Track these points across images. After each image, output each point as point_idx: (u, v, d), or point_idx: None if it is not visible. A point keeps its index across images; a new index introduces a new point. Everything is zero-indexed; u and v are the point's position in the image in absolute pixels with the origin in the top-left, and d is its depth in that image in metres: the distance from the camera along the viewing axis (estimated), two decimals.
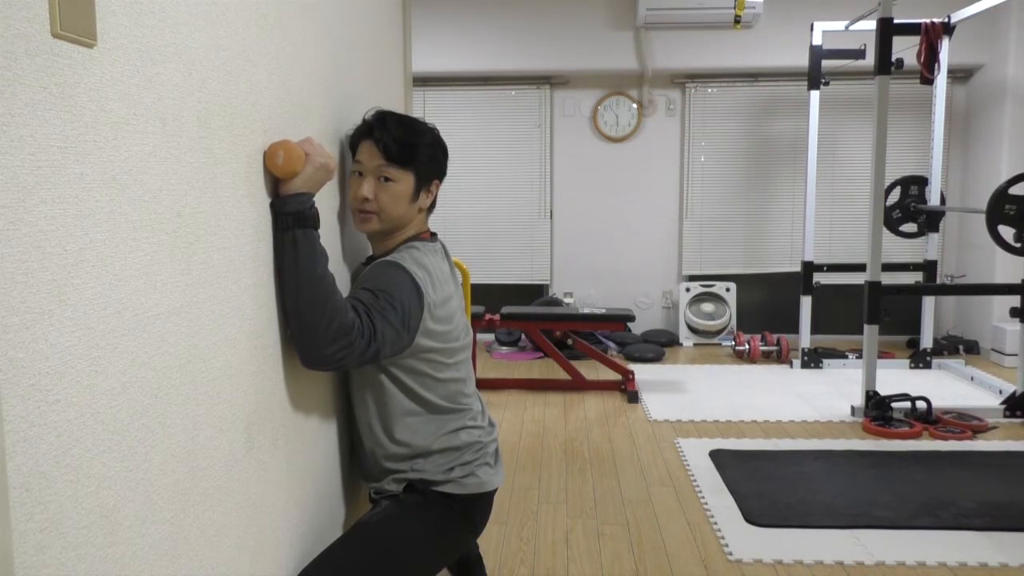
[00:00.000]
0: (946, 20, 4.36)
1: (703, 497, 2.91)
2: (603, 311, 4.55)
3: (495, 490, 1.75)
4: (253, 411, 1.25)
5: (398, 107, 2.39)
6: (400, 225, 1.70)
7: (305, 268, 1.36)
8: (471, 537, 1.78)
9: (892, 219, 4.89)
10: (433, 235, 1.80)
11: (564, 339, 5.03)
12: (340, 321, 1.42)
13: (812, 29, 4.79)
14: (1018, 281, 3.90)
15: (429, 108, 5.64)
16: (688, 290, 5.74)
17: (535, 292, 5.96)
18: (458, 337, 1.70)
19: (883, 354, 5.09)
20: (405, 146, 1.65)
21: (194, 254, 1.05)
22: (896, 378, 4.61)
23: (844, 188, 5.68)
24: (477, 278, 5.80)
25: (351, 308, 1.47)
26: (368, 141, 1.66)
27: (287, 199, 1.34)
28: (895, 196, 4.91)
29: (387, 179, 1.65)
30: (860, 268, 4.69)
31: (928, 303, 4.96)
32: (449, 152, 1.79)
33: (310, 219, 1.37)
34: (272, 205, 1.34)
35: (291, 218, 1.34)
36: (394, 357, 1.59)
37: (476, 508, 1.71)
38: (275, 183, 1.35)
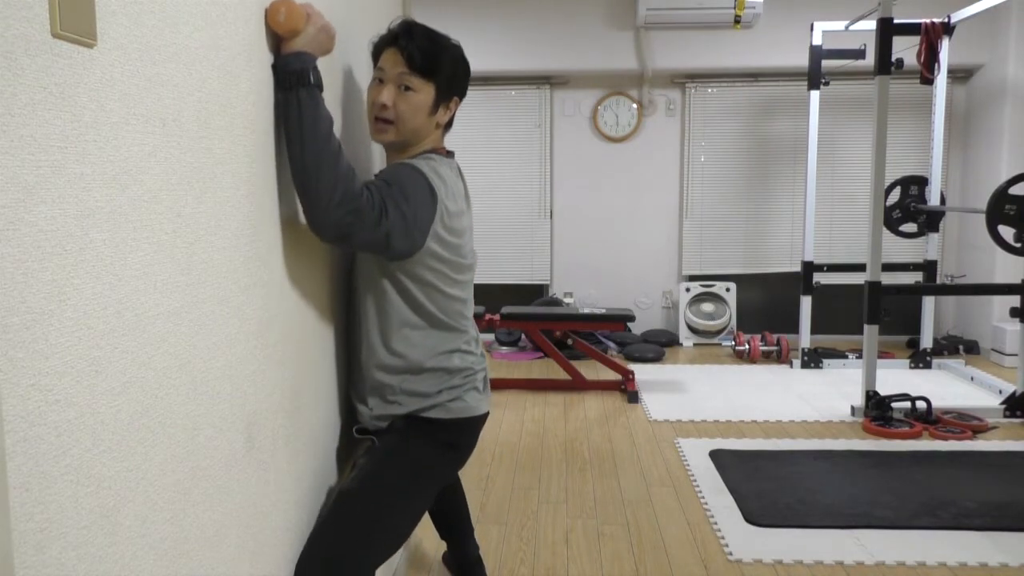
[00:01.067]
0: (946, 20, 4.37)
1: (703, 497, 2.91)
2: (603, 311, 4.55)
3: (481, 417, 1.74)
4: (253, 411, 1.25)
5: None
6: (416, 139, 1.69)
7: (309, 128, 1.34)
8: (455, 467, 1.77)
9: (892, 219, 4.89)
10: (450, 152, 1.78)
11: (564, 339, 5.03)
12: (347, 187, 1.40)
13: (812, 29, 4.79)
14: (1018, 281, 3.90)
15: None
16: (688, 290, 5.74)
17: (535, 292, 5.96)
18: (466, 256, 1.71)
19: (883, 354, 5.09)
20: (429, 56, 1.65)
21: (194, 254, 1.05)
22: (896, 378, 4.61)
23: (844, 188, 5.68)
24: (477, 278, 5.80)
25: (363, 185, 1.47)
26: (392, 48, 1.66)
27: (289, 58, 1.32)
28: (895, 196, 4.91)
29: (407, 88, 1.64)
30: (860, 268, 4.69)
31: (928, 303, 4.96)
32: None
33: (313, 79, 1.35)
34: (274, 66, 1.32)
35: (294, 77, 1.32)
36: (403, 261, 1.58)
37: (461, 435, 1.70)
38: (277, 43, 1.34)
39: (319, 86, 1.38)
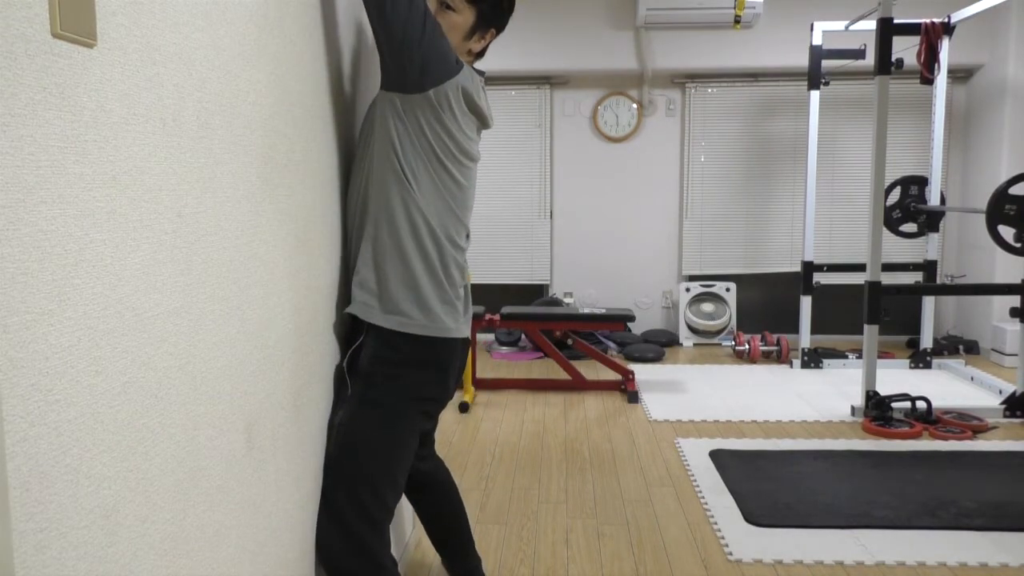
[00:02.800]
0: (946, 20, 4.37)
1: (703, 497, 2.91)
2: (603, 311, 4.55)
3: (458, 341, 1.75)
4: (253, 411, 1.25)
5: None
6: None
7: None
8: (430, 389, 1.75)
9: (892, 219, 4.89)
10: (481, 72, 1.80)
11: (564, 339, 5.03)
12: None
13: (812, 29, 4.79)
14: (1018, 281, 3.90)
15: None
16: (688, 290, 5.74)
17: (535, 292, 5.96)
18: (473, 159, 1.73)
19: (883, 354, 5.09)
20: None
21: (194, 254, 1.05)
22: (896, 378, 4.61)
23: (844, 188, 5.68)
24: (477, 278, 5.81)
25: None
26: None
27: None
28: (895, 196, 4.91)
29: (448, 7, 1.68)
30: (860, 268, 4.70)
31: (928, 303, 4.96)
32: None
33: None
34: None
35: None
36: (410, 93, 1.59)
37: (433, 352, 1.70)
38: None
39: None
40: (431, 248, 1.66)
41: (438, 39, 1.59)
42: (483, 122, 1.78)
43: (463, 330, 1.75)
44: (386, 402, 1.67)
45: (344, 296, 1.78)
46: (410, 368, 1.68)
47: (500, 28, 1.77)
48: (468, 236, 1.80)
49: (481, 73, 1.78)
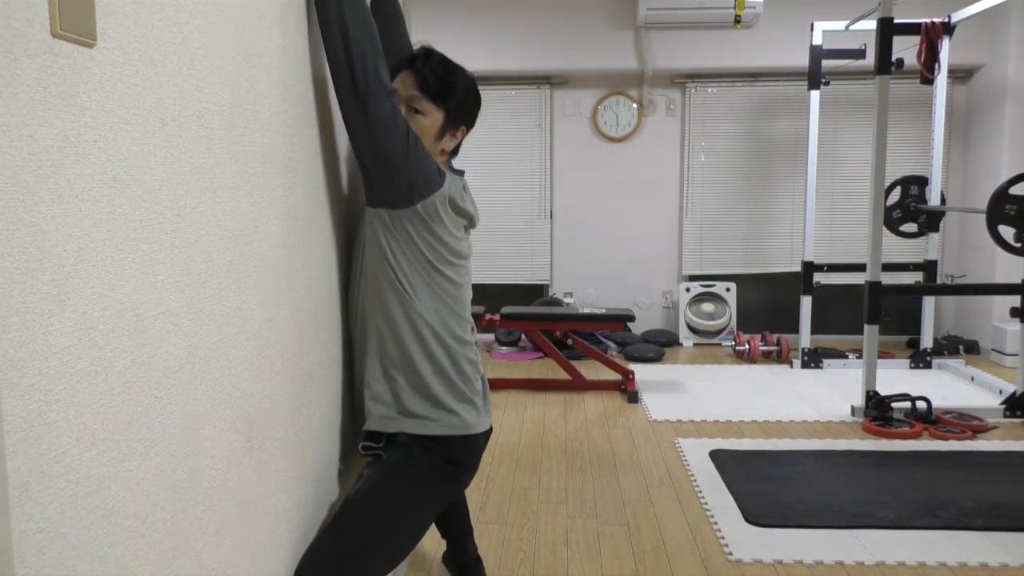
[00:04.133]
0: (946, 20, 4.36)
1: (703, 497, 2.91)
2: (603, 311, 4.55)
3: (482, 435, 1.74)
4: (253, 411, 1.25)
5: None
6: None
7: None
8: (457, 486, 1.78)
9: (892, 219, 4.89)
10: (459, 171, 1.81)
11: (564, 339, 5.03)
12: (376, 44, 1.52)
13: (812, 29, 4.79)
14: (1018, 281, 3.90)
15: None
16: (688, 290, 5.74)
17: (535, 292, 5.96)
18: (464, 250, 1.74)
19: (883, 354, 5.09)
20: (442, 82, 1.69)
21: (194, 254, 1.05)
22: (896, 378, 4.61)
23: (844, 188, 5.68)
24: (477, 278, 5.81)
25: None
26: (408, 71, 1.69)
27: None
28: (895, 196, 4.91)
29: (417, 111, 1.68)
30: (860, 268, 4.69)
31: (928, 303, 4.96)
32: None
33: None
34: None
35: None
36: (398, 208, 1.60)
37: (462, 453, 1.70)
38: None
39: None
40: (439, 352, 1.67)
41: (422, 155, 1.61)
42: (470, 221, 1.79)
43: (484, 423, 1.76)
44: (418, 476, 1.66)
45: (344, 296, 1.78)
46: (434, 466, 1.68)
47: (471, 124, 1.78)
48: (473, 329, 1.81)
49: (460, 172, 1.80)
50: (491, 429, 1.79)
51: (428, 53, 1.71)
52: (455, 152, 1.81)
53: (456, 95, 1.71)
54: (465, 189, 1.79)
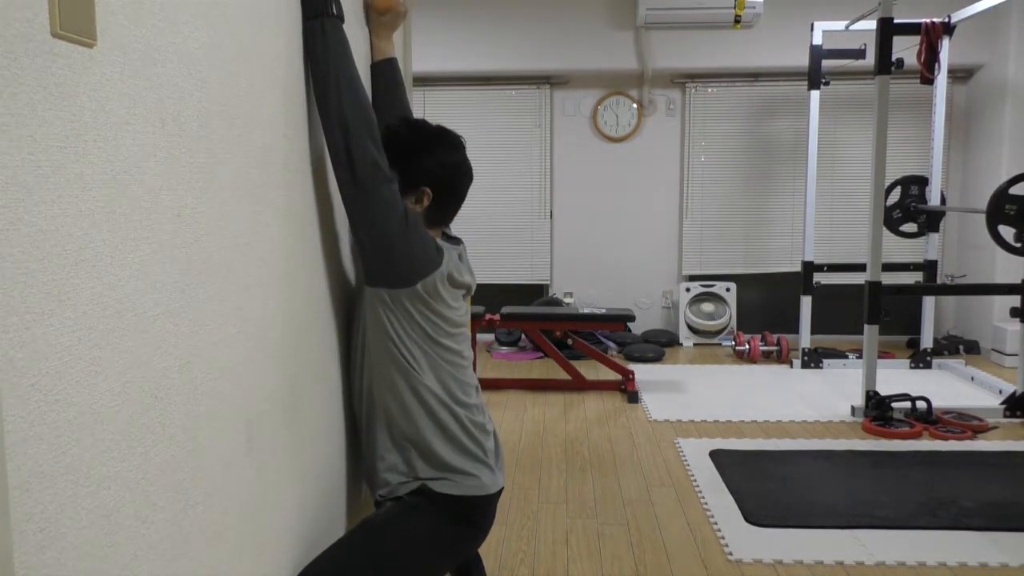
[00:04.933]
0: (946, 20, 4.36)
1: (703, 497, 2.91)
2: (603, 311, 4.55)
3: (496, 494, 1.75)
4: (253, 411, 1.25)
5: None
6: None
7: (335, 53, 1.49)
8: (474, 541, 1.78)
9: (892, 219, 4.89)
10: (455, 239, 1.81)
11: (564, 339, 5.03)
12: (372, 125, 1.54)
13: (812, 29, 4.79)
14: (1018, 281, 3.90)
15: (429, 108, 5.64)
16: (688, 290, 5.74)
17: (535, 292, 5.96)
18: (460, 317, 1.73)
19: (883, 354, 5.09)
20: (399, 139, 1.68)
21: (194, 254, 1.05)
22: (896, 378, 4.61)
23: (844, 188, 5.68)
24: (477, 278, 5.80)
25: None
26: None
27: None
28: (895, 196, 4.91)
29: None
30: (860, 268, 4.69)
31: (928, 303, 4.96)
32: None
33: (335, 10, 1.49)
34: None
35: (318, 5, 1.46)
36: (398, 288, 1.60)
37: (475, 512, 1.71)
38: None
39: (341, 17, 1.50)
40: (447, 418, 1.67)
41: (421, 235, 1.61)
42: (468, 291, 1.79)
43: (499, 481, 1.76)
44: (419, 537, 1.64)
45: (344, 298, 1.78)
46: (448, 523, 1.68)
47: (436, 187, 1.70)
48: (478, 391, 1.81)
49: (457, 241, 1.80)
50: (502, 488, 1.79)
51: (408, 120, 1.73)
52: (439, 218, 1.76)
53: (404, 153, 1.67)
54: (463, 259, 1.79)
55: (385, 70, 1.96)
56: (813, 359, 4.95)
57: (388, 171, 1.57)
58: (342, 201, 1.59)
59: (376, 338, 1.65)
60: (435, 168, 1.71)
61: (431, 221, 1.74)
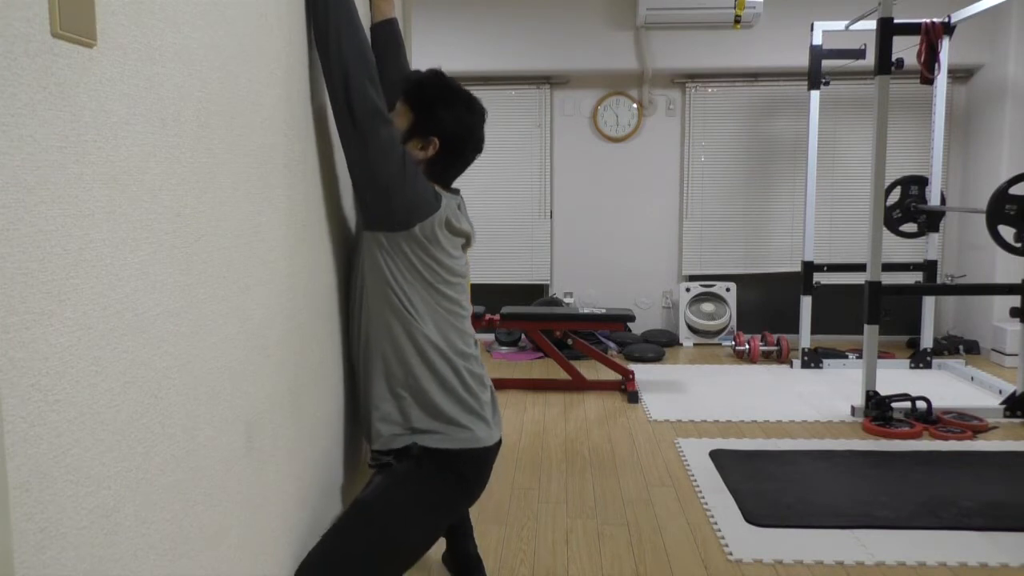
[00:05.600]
0: (946, 20, 4.36)
1: (703, 497, 2.91)
2: (603, 311, 4.55)
3: (492, 448, 1.74)
4: (253, 411, 1.25)
5: None
6: None
7: (335, 7, 1.51)
8: (467, 498, 1.77)
9: (892, 219, 4.89)
10: (453, 189, 1.81)
11: (564, 339, 5.03)
12: (374, 75, 1.55)
13: (812, 29, 4.79)
14: (1018, 281, 3.90)
15: None
16: (688, 290, 5.74)
17: (535, 292, 5.96)
18: (459, 266, 1.74)
19: (883, 354, 5.09)
20: (418, 85, 1.71)
21: (194, 254, 1.05)
22: (896, 378, 4.61)
23: (844, 188, 5.68)
24: (477, 278, 5.81)
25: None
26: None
27: None
28: (895, 196, 4.91)
29: (395, 111, 1.72)
30: (860, 268, 4.69)
31: (928, 303, 4.96)
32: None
33: None
34: None
35: None
36: (395, 232, 1.61)
37: (468, 467, 1.70)
38: None
39: None
40: (445, 369, 1.67)
41: (418, 179, 1.62)
42: (467, 240, 1.79)
43: (494, 436, 1.76)
44: (416, 499, 1.65)
45: (344, 299, 1.78)
46: (444, 479, 1.68)
47: (445, 137, 1.71)
48: (476, 342, 1.81)
49: (456, 192, 1.80)
50: (500, 441, 1.78)
51: (435, 72, 1.74)
52: (439, 170, 1.75)
53: (425, 97, 1.69)
54: (461, 208, 1.80)
55: (385, 30, 1.97)
56: (813, 359, 4.95)
57: (387, 114, 1.58)
58: (342, 146, 1.59)
59: (374, 284, 1.65)
60: (451, 122, 1.72)
61: (430, 175, 1.75)
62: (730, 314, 5.75)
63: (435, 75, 1.75)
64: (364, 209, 1.64)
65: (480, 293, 5.81)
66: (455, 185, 1.85)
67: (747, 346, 5.19)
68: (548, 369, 4.98)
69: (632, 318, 4.36)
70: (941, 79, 4.57)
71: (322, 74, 1.63)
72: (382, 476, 1.66)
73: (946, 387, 4.46)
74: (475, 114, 1.76)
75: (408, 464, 1.66)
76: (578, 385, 4.51)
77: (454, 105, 1.73)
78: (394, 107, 1.75)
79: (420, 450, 1.66)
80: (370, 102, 1.54)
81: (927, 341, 4.95)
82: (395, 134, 1.60)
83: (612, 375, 4.62)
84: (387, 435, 1.67)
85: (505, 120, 5.74)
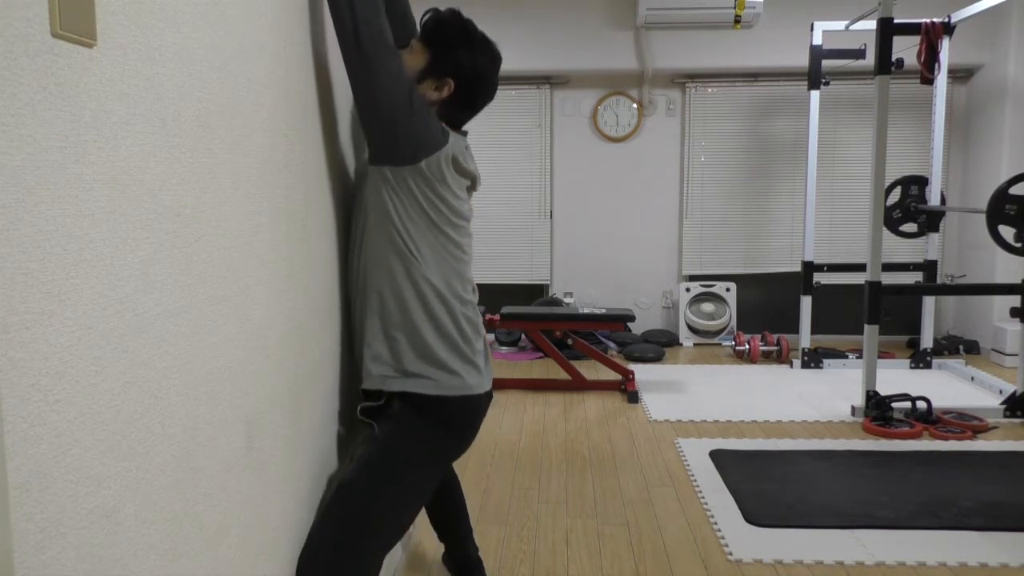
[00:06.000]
0: (946, 20, 4.36)
1: (703, 497, 2.91)
2: (603, 311, 4.55)
3: (482, 396, 1.73)
4: (253, 411, 1.25)
5: None
6: None
7: None
8: (454, 450, 1.75)
9: (892, 219, 4.89)
10: (462, 131, 1.80)
11: (564, 339, 5.03)
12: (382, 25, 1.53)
13: (812, 29, 4.79)
14: (1018, 281, 3.90)
15: None
16: (688, 290, 5.74)
17: (535, 292, 5.96)
18: (464, 211, 1.73)
19: (883, 354, 5.09)
20: (437, 23, 1.70)
21: (194, 254, 1.05)
22: (896, 378, 4.61)
23: (844, 188, 5.68)
24: (477, 278, 5.80)
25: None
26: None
27: None
28: (895, 196, 4.91)
29: (410, 49, 1.71)
30: (860, 268, 4.69)
31: (928, 303, 4.96)
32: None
33: None
34: None
35: None
36: (401, 166, 1.60)
37: (458, 414, 1.69)
38: None
39: None
40: (441, 312, 1.66)
41: (425, 113, 1.61)
42: (472, 182, 1.78)
43: (485, 384, 1.74)
44: (412, 449, 1.65)
45: (344, 298, 1.78)
46: (433, 429, 1.67)
47: (461, 83, 1.72)
48: (475, 289, 1.80)
49: (464, 134, 1.79)
50: (491, 393, 1.77)
51: (452, 11, 1.73)
52: (451, 111, 1.75)
53: (442, 37, 1.69)
54: (468, 150, 1.78)
55: None
56: (813, 359, 4.95)
57: (393, 45, 1.56)
58: (349, 77, 1.57)
59: (377, 221, 1.63)
60: (468, 65, 1.72)
61: (441, 117, 1.75)
62: (730, 314, 5.75)
63: (454, 15, 1.73)
64: (370, 143, 1.62)
65: (480, 293, 5.81)
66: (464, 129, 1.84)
67: (747, 346, 5.19)
68: (548, 369, 4.98)
69: (632, 318, 4.36)
70: (941, 79, 4.57)
71: (324, 68, 1.63)
72: (363, 449, 1.65)
73: (946, 387, 4.46)
74: (492, 58, 1.76)
75: (388, 426, 1.64)
76: (578, 385, 4.51)
77: (472, 47, 1.72)
78: (404, 45, 1.73)
79: (401, 406, 1.64)
80: (376, 29, 1.52)
81: (927, 341, 4.95)
82: (402, 66, 1.58)
83: (612, 375, 4.62)
84: (376, 375, 1.65)
85: (505, 120, 5.74)
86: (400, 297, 1.64)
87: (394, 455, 1.63)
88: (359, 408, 1.72)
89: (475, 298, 1.78)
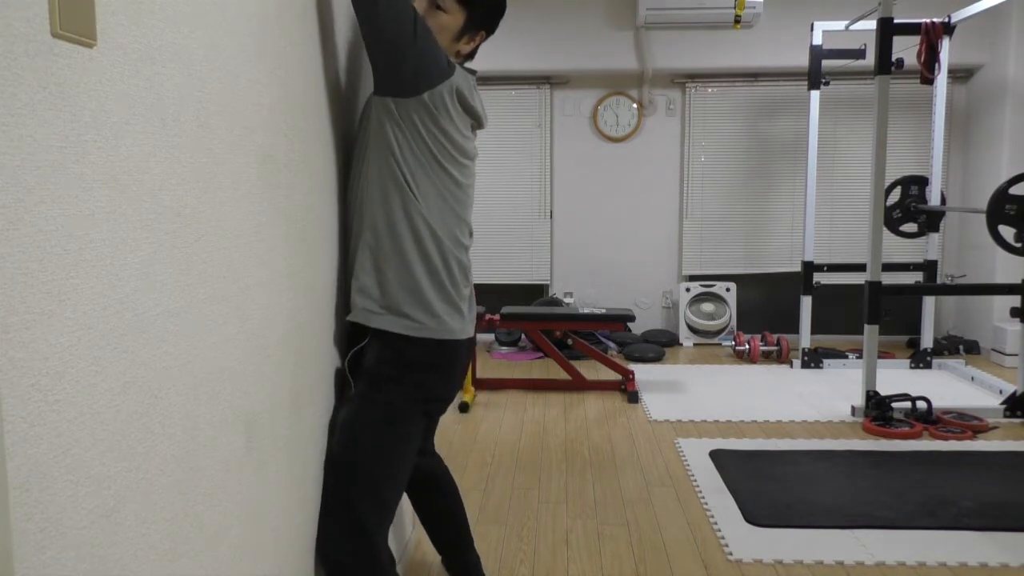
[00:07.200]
0: (946, 20, 4.36)
1: (703, 497, 2.91)
2: (603, 311, 4.55)
3: (462, 342, 1.73)
4: (253, 411, 1.25)
5: None
6: None
7: None
8: (434, 394, 1.74)
9: (892, 219, 4.89)
10: (472, 71, 1.81)
11: (564, 339, 5.03)
12: None
13: (812, 29, 4.79)
14: (1018, 281, 3.90)
15: None
16: (688, 290, 5.74)
17: (535, 292, 5.96)
18: (469, 150, 1.74)
19: (883, 354, 5.09)
20: None
21: (194, 254, 1.05)
22: (896, 378, 4.61)
23: (844, 188, 5.68)
24: (477, 278, 5.80)
25: None
26: None
27: None
28: (895, 196, 4.91)
29: (439, 7, 1.69)
30: (860, 268, 4.69)
31: (928, 303, 4.96)
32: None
33: None
34: None
35: None
36: (405, 97, 1.59)
37: (437, 356, 1.69)
38: None
39: None
40: (434, 251, 1.65)
41: (429, 42, 1.60)
42: (477, 121, 1.78)
43: (468, 330, 1.75)
44: (389, 402, 1.66)
45: (344, 297, 1.78)
46: (414, 370, 1.68)
47: (490, 31, 1.79)
48: (471, 233, 1.80)
49: (472, 72, 1.79)
50: (474, 339, 1.78)
51: None
52: (471, 56, 1.81)
53: (483, 2, 1.72)
54: (475, 88, 1.78)
55: None
56: (813, 359, 4.95)
57: None
58: (353, 6, 1.57)
59: (378, 152, 1.63)
60: (497, 15, 1.77)
61: (468, 56, 1.79)
62: (730, 314, 5.75)
63: None
64: (375, 71, 1.62)
65: (480, 293, 5.81)
66: (476, 66, 1.87)
67: (747, 346, 5.19)
68: (548, 369, 4.98)
69: (632, 318, 4.36)
70: (941, 79, 4.57)
71: (325, 68, 1.63)
72: (344, 413, 1.66)
73: (946, 387, 4.46)
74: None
75: (363, 387, 1.66)
76: (578, 385, 4.51)
77: (502, 5, 1.78)
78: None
79: (375, 358, 1.65)
80: None
81: (927, 341, 4.95)
82: None
83: (612, 375, 4.62)
84: (360, 307, 1.65)
85: (505, 120, 5.74)
86: (394, 232, 1.63)
87: (370, 414, 1.65)
88: (345, 362, 1.73)
89: (470, 242, 1.78)
